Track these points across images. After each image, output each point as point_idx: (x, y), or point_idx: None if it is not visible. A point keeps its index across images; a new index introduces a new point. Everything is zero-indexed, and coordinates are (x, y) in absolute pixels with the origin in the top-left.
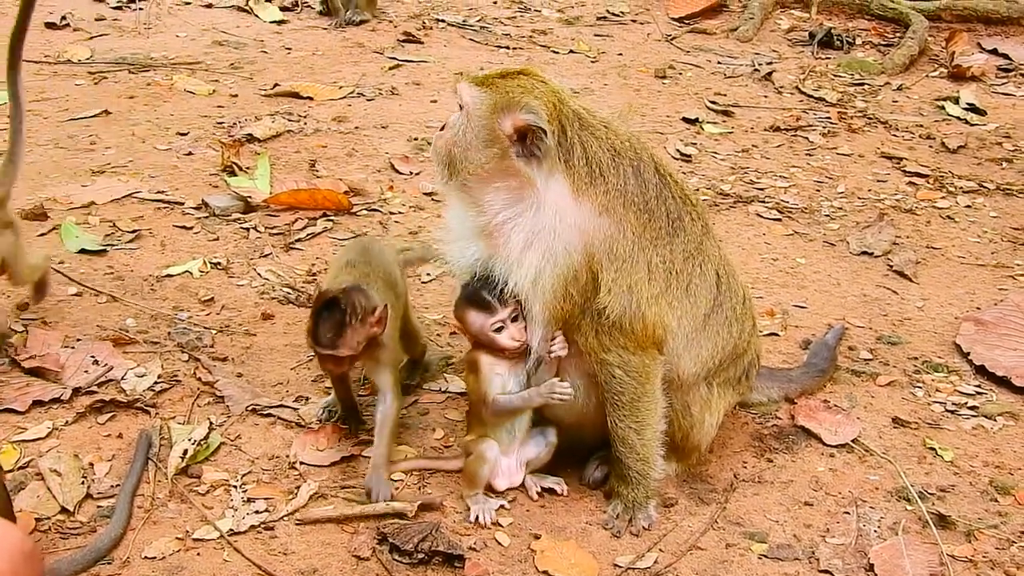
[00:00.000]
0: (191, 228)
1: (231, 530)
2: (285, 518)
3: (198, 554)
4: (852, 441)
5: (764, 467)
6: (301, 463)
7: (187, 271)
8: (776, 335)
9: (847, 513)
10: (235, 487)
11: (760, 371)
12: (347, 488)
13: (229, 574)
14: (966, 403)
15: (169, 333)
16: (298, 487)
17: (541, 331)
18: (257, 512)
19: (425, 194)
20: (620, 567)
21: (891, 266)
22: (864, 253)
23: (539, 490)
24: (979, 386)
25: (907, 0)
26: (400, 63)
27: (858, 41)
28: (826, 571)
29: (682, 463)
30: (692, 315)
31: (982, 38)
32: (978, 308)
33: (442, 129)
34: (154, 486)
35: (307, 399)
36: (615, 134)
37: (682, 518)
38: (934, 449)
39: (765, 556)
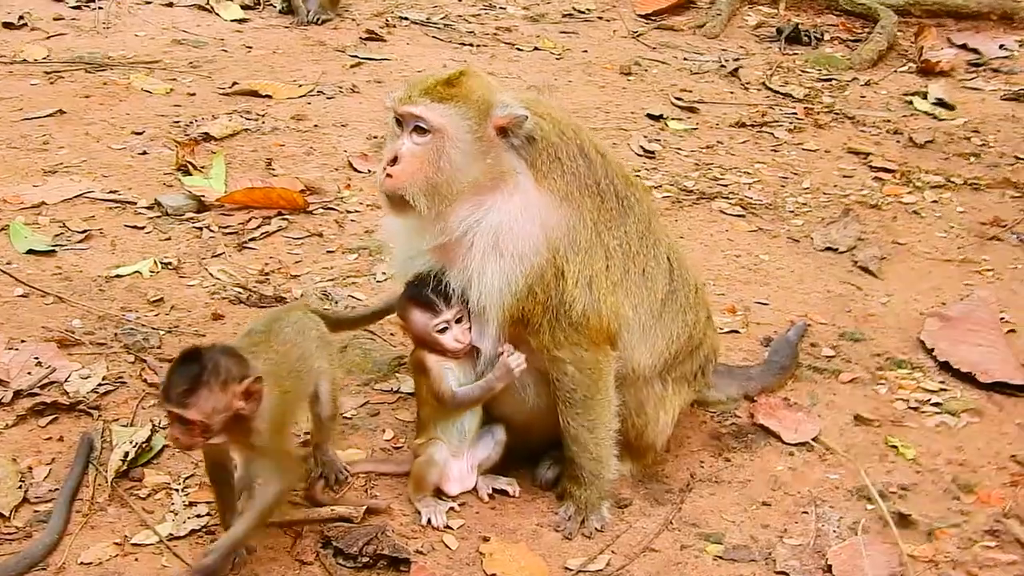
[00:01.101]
0: (143, 228)
1: (170, 534)
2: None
3: (136, 559)
4: (812, 440)
5: (722, 467)
6: None
7: (137, 271)
8: (737, 332)
9: (806, 513)
10: (177, 491)
11: (718, 369)
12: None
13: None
14: (929, 400)
15: (116, 334)
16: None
17: (493, 333)
18: (199, 516)
19: None
20: (571, 570)
21: (855, 262)
22: (828, 249)
23: (490, 491)
24: (943, 383)
25: None
26: (362, 61)
27: (826, 37)
28: (783, 572)
29: (637, 463)
30: (649, 302)
31: (952, 33)
32: (943, 304)
33: (393, 163)
34: (94, 490)
35: None
36: (555, 117)
37: (636, 519)
38: (896, 447)
39: (721, 558)
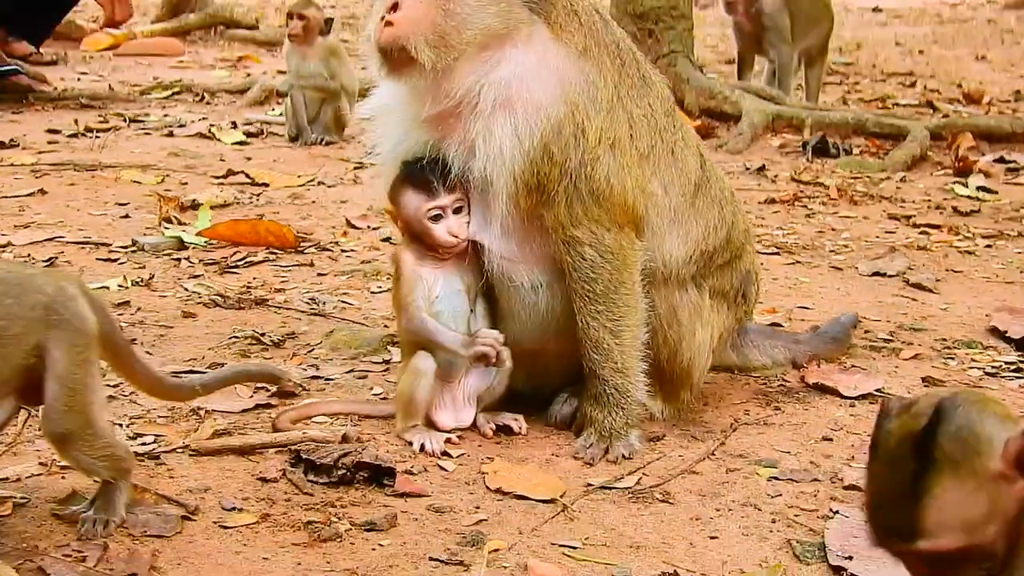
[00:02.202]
0: (116, 260)
1: None
2: (179, 450)
3: (63, 478)
4: (876, 391)
5: (770, 414)
6: (206, 410)
7: (104, 287)
8: (779, 326)
9: None
10: (121, 426)
11: (761, 329)
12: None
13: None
14: (1012, 366)
15: None
16: (198, 428)
17: (501, 209)
18: (144, 444)
19: (382, 240)
20: (593, 486)
21: (908, 281)
22: (876, 274)
23: (493, 427)
24: (1022, 357)
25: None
26: (366, 165)
27: (855, 151)
28: (853, 486)
29: (670, 403)
30: (680, 183)
31: (986, 151)
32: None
33: (394, 10)
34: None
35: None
36: None
37: (671, 450)
38: None
39: (776, 478)
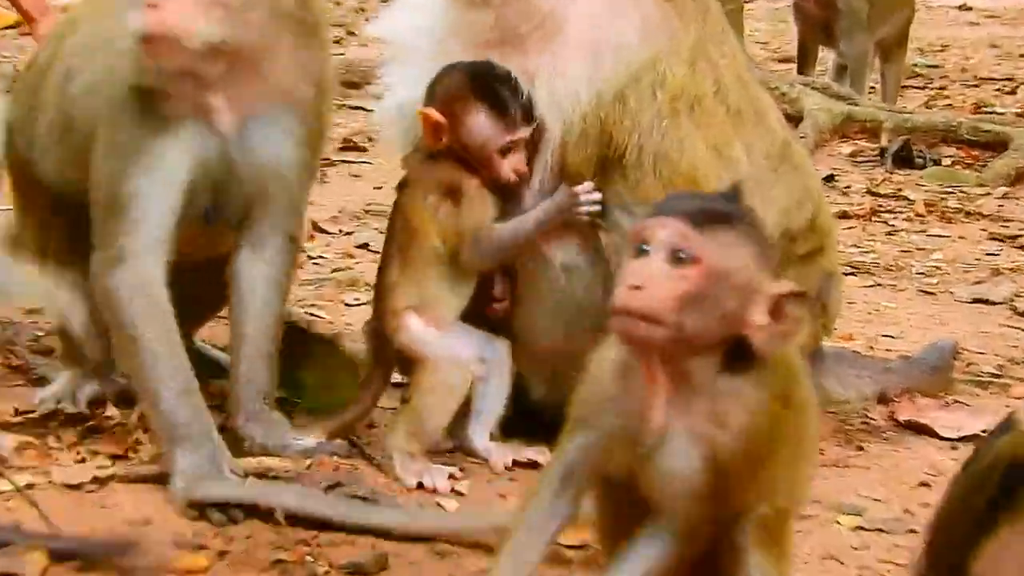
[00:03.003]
0: None
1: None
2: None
3: None
4: (982, 431)
5: (852, 454)
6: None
7: None
8: (860, 354)
9: None
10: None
11: (841, 353)
12: None
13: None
14: None
15: None
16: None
17: (547, 163)
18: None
19: (357, 247)
20: None
21: (1016, 310)
22: (978, 301)
23: (510, 462)
24: None
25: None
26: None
27: (945, 161)
28: None
29: None
30: (764, 144)
31: None
32: None
33: None
34: None
35: None
36: None
37: None
38: None
39: (863, 528)
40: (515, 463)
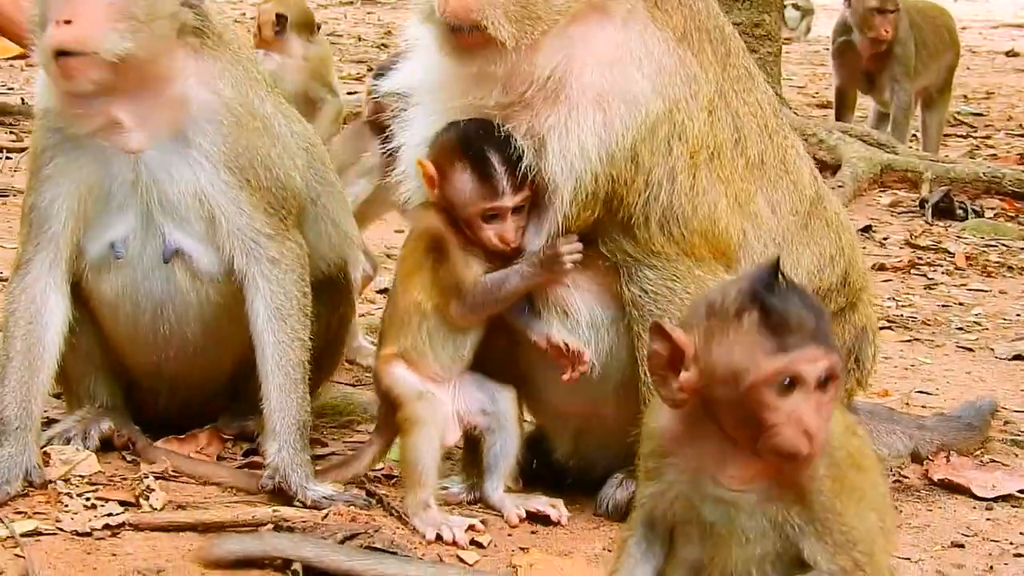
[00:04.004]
0: None
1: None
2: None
3: None
4: (1018, 491)
5: None
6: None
7: None
8: (894, 410)
9: (1021, 556)
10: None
11: (875, 410)
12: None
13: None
14: None
15: None
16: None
17: (557, 220)
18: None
19: (379, 291)
20: None
21: None
22: (1019, 358)
23: (522, 514)
24: None
25: None
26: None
27: (988, 214)
28: None
29: None
30: (792, 199)
31: None
32: None
33: None
34: None
35: None
36: None
37: None
38: None
39: None
40: (529, 515)
